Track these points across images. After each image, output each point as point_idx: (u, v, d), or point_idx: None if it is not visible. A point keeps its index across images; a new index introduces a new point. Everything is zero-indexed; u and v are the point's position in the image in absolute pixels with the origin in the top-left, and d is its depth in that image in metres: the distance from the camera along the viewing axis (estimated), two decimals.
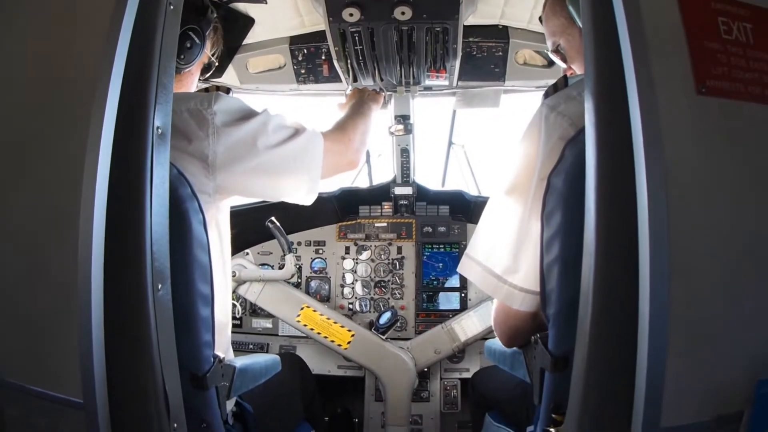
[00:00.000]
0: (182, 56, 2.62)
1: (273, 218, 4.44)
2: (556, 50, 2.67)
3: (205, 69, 2.96)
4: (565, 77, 2.32)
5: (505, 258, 2.26)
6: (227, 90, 2.66)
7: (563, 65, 2.70)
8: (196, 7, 2.67)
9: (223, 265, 2.64)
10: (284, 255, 4.48)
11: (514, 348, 2.52)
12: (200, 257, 2.23)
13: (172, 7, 1.97)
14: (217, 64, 3.03)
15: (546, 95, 2.27)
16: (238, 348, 4.86)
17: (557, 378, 2.08)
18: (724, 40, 1.83)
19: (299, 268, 5.02)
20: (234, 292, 4.46)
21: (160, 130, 1.90)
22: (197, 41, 2.66)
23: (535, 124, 2.20)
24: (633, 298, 1.67)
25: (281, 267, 4.82)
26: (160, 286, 1.89)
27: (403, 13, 3.02)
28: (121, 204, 1.83)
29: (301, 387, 3.63)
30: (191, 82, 2.84)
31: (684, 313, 1.68)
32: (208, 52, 2.82)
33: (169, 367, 1.93)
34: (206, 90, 2.73)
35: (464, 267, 2.41)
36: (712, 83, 1.76)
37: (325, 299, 5.01)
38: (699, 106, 1.74)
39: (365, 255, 5.05)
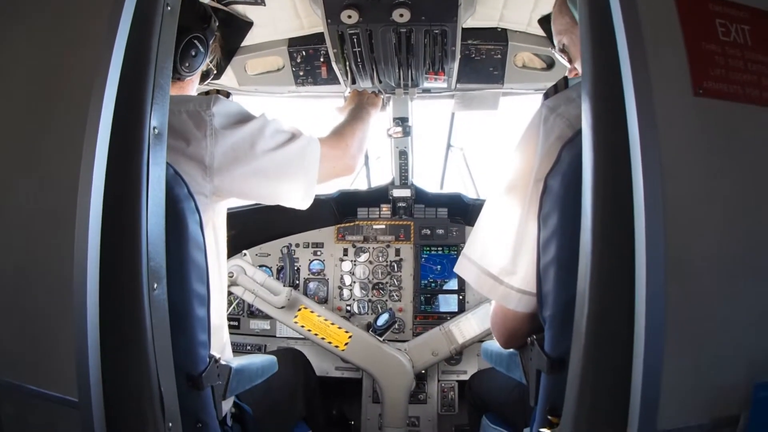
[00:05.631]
0: (187, 64, 2.65)
1: (291, 244, 4.55)
2: (562, 49, 2.67)
3: (204, 75, 2.98)
4: (565, 78, 2.32)
5: (502, 258, 2.26)
6: (227, 94, 2.67)
7: (568, 65, 2.69)
8: (201, 15, 2.69)
9: (219, 267, 2.65)
10: (284, 285, 4.47)
11: (511, 349, 2.52)
12: (196, 257, 2.23)
13: (169, 8, 1.97)
14: (215, 72, 3.05)
15: (546, 96, 2.26)
16: (236, 349, 4.84)
17: (553, 380, 2.08)
18: (721, 42, 1.83)
19: (297, 270, 5.02)
20: (230, 294, 4.45)
21: (156, 130, 1.90)
22: (201, 50, 2.68)
23: (534, 125, 2.20)
24: (629, 300, 1.67)
25: (279, 269, 4.84)
26: (155, 285, 1.89)
27: (401, 15, 3.02)
28: (117, 203, 1.83)
29: (304, 383, 3.63)
30: (192, 88, 2.87)
31: (681, 315, 1.68)
32: (208, 60, 2.83)
33: (165, 367, 1.93)
34: (207, 93, 2.74)
35: (461, 267, 2.41)
36: (710, 85, 1.76)
37: (323, 301, 5.00)
38: (696, 107, 1.74)
39: (363, 257, 5.05)
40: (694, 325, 1.72)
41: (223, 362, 2.43)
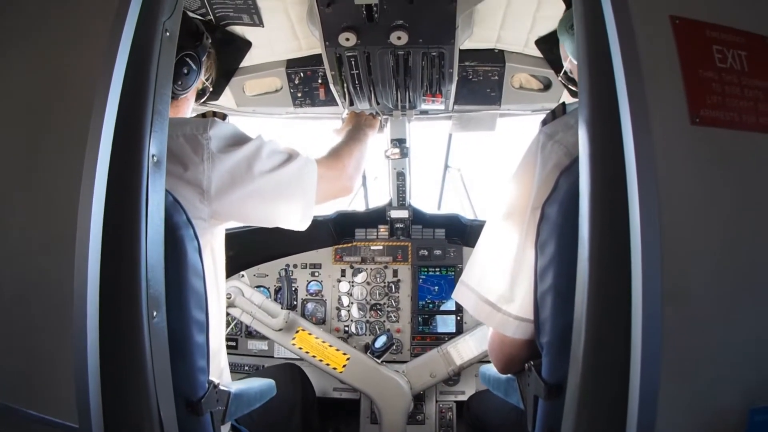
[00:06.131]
0: (179, 82, 2.63)
1: (289, 265, 4.58)
2: (565, 74, 2.68)
3: (200, 94, 2.98)
4: (563, 104, 2.32)
5: (499, 286, 2.26)
6: (223, 116, 2.67)
7: (574, 89, 2.69)
8: (192, 32, 2.69)
9: (218, 291, 2.64)
10: (282, 306, 4.48)
11: (509, 374, 2.52)
12: (195, 284, 2.22)
13: (168, 34, 1.98)
14: (211, 89, 3.04)
15: (544, 123, 2.27)
16: (234, 369, 4.82)
17: (550, 405, 2.08)
18: (718, 69, 1.83)
19: (295, 291, 5.01)
20: (228, 315, 4.43)
21: (155, 158, 1.90)
22: (194, 67, 2.67)
23: (532, 152, 2.20)
24: (626, 327, 1.67)
25: (277, 290, 4.84)
26: (155, 313, 1.89)
27: (399, 38, 3.03)
28: (117, 231, 1.83)
29: (302, 399, 3.62)
30: (187, 107, 2.85)
31: (677, 341, 1.68)
32: (202, 78, 2.82)
33: (164, 393, 1.92)
34: (203, 115, 2.74)
35: (459, 293, 2.41)
36: (706, 113, 1.77)
37: (320, 322, 5.00)
38: (693, 136, 1.75)
39: (361, 278, 5.05)
40: (690, 351, 1.72)
41: (222, 387, 2.42)
